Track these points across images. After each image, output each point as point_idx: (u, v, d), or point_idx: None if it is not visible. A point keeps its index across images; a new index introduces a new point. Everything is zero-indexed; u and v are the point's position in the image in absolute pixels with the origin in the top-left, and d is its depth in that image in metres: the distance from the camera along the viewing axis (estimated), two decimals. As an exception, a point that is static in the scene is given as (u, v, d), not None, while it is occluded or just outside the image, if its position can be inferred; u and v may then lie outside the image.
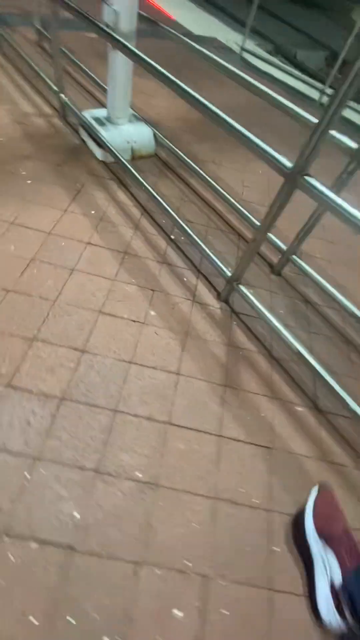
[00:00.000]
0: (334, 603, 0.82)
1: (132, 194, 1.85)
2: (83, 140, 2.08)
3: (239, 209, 1.86)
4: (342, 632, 0.83)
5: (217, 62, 1.52)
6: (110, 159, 1.97)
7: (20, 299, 1.27)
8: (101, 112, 2.04)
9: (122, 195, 1.82)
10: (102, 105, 2.50)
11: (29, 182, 1.72)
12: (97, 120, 1.96)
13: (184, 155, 2.10)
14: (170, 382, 1.19)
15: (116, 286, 1.41)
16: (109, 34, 1.51)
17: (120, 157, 1.81)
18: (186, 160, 2.08)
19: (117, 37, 1.48)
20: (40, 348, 1.17)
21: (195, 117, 2.63)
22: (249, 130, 1.01)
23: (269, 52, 5.37)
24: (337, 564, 0.86)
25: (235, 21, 5.82)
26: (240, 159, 2.40)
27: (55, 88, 2.13)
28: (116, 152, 1.82)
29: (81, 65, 2.67)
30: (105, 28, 1.54)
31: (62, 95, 2.11)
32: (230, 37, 5.04)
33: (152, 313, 1.36)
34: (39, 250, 1.44)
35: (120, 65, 1.73)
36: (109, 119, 1.98)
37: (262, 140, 0.99)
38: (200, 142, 2.45)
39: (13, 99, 2.29)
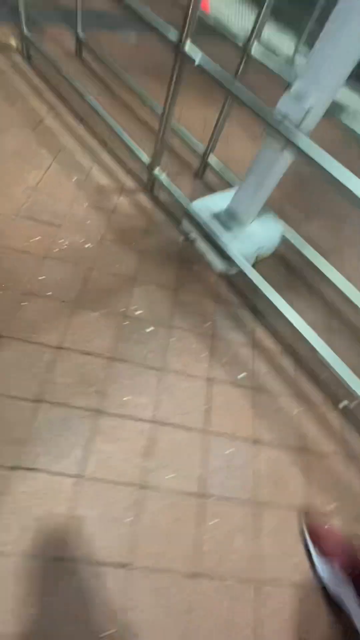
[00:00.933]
0: None
1: (269, 329, 1.40)
2: (188, 238, 1.57)
3: None
4: None
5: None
6: (233, 271, 1.49)
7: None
8: (216, 203, 1.52)
9: (262, 336, 1.37)
10: (189, 166, 1.95)
11: (148, 330, 1.23)
12: (219, 219, 1.45)
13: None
14: None
15: (318, 529, 1.00)
16: (284, 136, 1.03)
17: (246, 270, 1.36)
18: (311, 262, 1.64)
19: (298, 144, 1.01)
20: None
21: (286, 178, 2.14)
22: None
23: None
24: None
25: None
26: (356, 239, 1.98)
27: (145, 160, 1.58)
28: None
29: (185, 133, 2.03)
30: (278, 127, 1.04)
31: (158, 173, 1.57)
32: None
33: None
34: (208, 478, 0.99)
35: (278, 168, 1.23)
36: (233, 217, 1.47)
37: None
38: (307, 218, 1.99)
39: (75, 159, 1.71)
